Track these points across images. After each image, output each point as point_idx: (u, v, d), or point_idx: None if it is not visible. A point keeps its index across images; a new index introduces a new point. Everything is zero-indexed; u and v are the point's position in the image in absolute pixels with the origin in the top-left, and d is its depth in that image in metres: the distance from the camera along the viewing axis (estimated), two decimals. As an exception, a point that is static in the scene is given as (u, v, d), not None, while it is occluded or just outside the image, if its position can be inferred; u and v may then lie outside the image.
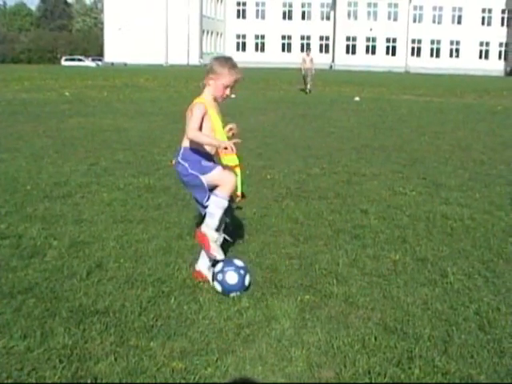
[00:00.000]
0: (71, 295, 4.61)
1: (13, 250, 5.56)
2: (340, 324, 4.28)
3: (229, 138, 4.95)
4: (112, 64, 78.41)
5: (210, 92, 4.96)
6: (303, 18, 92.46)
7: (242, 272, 4.71)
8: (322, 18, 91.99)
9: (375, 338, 4.07)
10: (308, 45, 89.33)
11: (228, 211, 5.06)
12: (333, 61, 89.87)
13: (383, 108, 22.09)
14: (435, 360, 3.82)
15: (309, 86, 30.59)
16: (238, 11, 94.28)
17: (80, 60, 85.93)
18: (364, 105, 23.00)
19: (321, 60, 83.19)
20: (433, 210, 7.33)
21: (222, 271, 4.71)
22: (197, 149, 4.84)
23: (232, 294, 4.64)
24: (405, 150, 12.22)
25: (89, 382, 3.48)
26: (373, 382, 3.59)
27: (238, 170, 4.97)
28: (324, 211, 7.15)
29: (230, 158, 4.87)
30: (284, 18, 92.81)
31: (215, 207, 4.81)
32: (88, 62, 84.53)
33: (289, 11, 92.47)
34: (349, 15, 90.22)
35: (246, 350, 3.89)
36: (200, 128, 4.73)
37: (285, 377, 3.62)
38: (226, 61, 4.92)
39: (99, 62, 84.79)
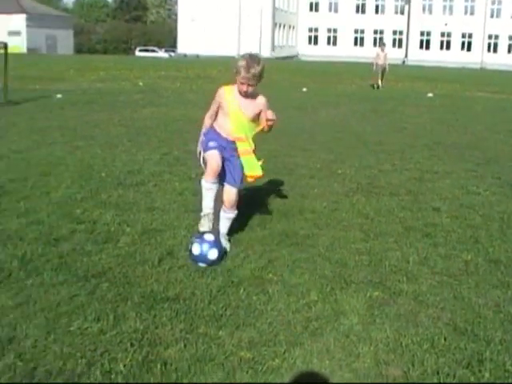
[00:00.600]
0: (143, 281, 4.71)
1: (88, 235, 5.72)
2: (409, 322, 4.24)
3: (262, 131, 5.48)
4: (185, 55, 79.13)
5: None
6: (376, 11, 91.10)
7: (205, 245, 5.05)
8: (396, 12, 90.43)
9: (444, 339, 4.01)
10: (381, 39, 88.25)
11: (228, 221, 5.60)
12: (406, 56, 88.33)
13: (457, 105, 21.64)
14: (506, 364, 3.74)
15: (380, 82, 29.02)
16: (311, 4, 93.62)
17: (153, 51, 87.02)
18: (437, 101, 22.58)
19: (393, 55, 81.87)
20: (507, 210, 7.15)
21: (192, 241, 5.17)
22: (213, 130, 5.44)
23: (200, 264, 5.03)
24: (479, 148, 11.94)
25: (158, 366, 3.55)
26: (441, 382, 3.55)
27: (246, 156, 5.43)
28: (395, 208, 7.07)
29: (242, 144, 5.40)
30: (357, 11, 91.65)
31: (201, 186, 5.42)
32: (161, 53, 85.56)
33: (362, 5, 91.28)
34: (424, 9, 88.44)
35: (313, 344, 3.90)
36: (217, 110, 5.42)
37: (352, 372, 3.61)
38: (244, 59, 5.18)
39: (172, 53, 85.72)
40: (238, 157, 5.41)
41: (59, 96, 19.52)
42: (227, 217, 5.52)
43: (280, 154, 10.21)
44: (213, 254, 5.00)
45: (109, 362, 3.59)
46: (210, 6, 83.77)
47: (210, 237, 5.12)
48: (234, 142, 5.37)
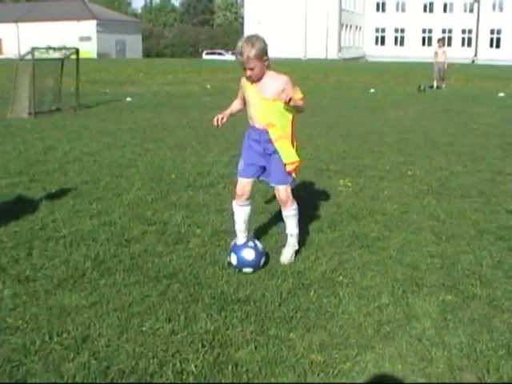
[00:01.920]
0: (213, 282, 4.74)
1: (158, 236, 5.79)
2: (483, 327, 4.13)
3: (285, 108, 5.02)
4: (251, 58, 79.47)
5: None
6: (445, 10, 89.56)
7: (238, 250, 5.01)
8: (465, 10, 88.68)
9: (522, 345, 3.90)
10: (449, 38, 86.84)
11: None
12: (475, 55, 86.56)
13: (530, 104, 21.06)
14: None
15: (436, 83, 26.91)
16: (378, 4, 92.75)
17: (220, 54, 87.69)
18: (509, 100, 22.01)
19: (463, 54, 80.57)
20: None
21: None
22: (250, 126, 5.26)
23: (246, 270, 4.93)
24: (554, 148, 11.58)
25: (230, 367, 3.56)
26: (518, 389, 3.45)
27: (280, 142, 5.08)
28: (467, 210, 6.92)
29: (273, 130, 5.07)
30: (425, 10, 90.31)
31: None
32: (228, 56, 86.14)
33: (430, 3, 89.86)
34: (494, 7, 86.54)
35: (385, 347, 3.84)
36: (243, 98, 5.24)
37: (425, 377, 3.54)
38: (239, 43, 4.89)
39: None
40: (275, 151, 5.08)
41: (129, 99, 19.89)
42: (286, 215, 5.30)
43: (349, 156, 10.14)
44: (249, 254, 4.92)
45: (180, 363, 3.61)
46: (276, 8, 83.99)
47: (240, 240, 5.18)
48: (265, 132, 5.06)
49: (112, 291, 4.54)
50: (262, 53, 4.86)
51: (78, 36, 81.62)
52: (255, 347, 3.78)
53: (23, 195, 7.20)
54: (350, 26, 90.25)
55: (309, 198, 7.31)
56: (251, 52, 4.78)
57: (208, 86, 26.48)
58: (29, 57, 15.73)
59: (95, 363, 3.56)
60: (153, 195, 7.25)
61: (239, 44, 4.84)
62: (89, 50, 74.60)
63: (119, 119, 14.73)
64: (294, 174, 5.20)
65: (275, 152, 5.06)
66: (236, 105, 5.38)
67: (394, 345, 3.88)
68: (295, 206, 5.27)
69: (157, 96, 21.51)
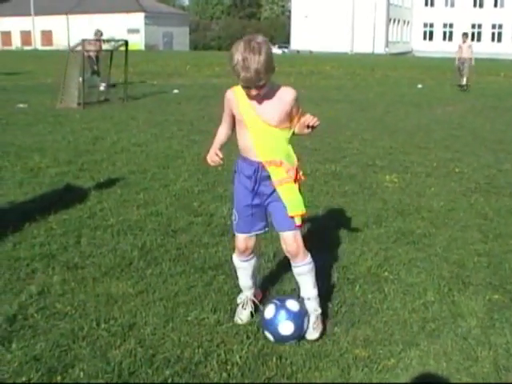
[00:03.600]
0: (258, 275, 4.75)
1: (205, 227, 5.84)
2: (531, 328, 4.08)
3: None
4: (298, 51, 79.24)
5: None
6: (495, 5, 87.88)
7: (282, 313, 3.81)
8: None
9: None
10: (500, 34, 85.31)
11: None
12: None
13: None
14: None
15: (464, 80, 24.30)
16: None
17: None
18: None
19: (514, 50, 79.09)
20: None
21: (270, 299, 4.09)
22: (241, 158, 3.89)
23: (266, 334, 3.83)
24: None
25: (274, 359, 3.57)
26: None
27: (283, 186, 3.82)
28: (516, 209, 6.81)
29: (275, 171, 3.78)
30: (474, 5, 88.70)
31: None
32: (275, 50, 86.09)
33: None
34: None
35: (430, 345, 3.82)
36: (233, 120, 3.84)
37: (470, 376, 3.51)
38: (238, 51, 3.45)
39: (285, 50, 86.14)
40: (275, 191, 3.82)
41: (176, 91, 20.04)
42: (298, 272, 3.93)
43: (395, 151, 10.05)
44: (286, 329, 3.74)
45: (225, 353, 3.64)
46: (323, 2, 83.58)
47: (293, 305, 3.85)
48: (264, 167, 3.76)
49: (158, 280, 4.60)
50: (271, 59, 3.51)
51: (126, 28, 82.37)
52: (299, 340, 3.79)
53: (72, 184, 7.32)
54: (398, 21, 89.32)
55: (354, 192, 7.28)
56: (260, 62, 3.39)
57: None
58: (79, 48, 15.97)
59: (141, 351, 3.61)
60: (199, 187, 7.30)
61: (240, 54, 3.39)
62: (137, 42, 75.28)
63: (166, 111, 14.85)
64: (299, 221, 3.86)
65: (275, 192, 3.80)
66: (223, 133, 3.96)
67: (439, 342, 3.85)
68: (309, 258, 3.91)
69: (203, 88, 21.61)
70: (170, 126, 12.16)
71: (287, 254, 3.91)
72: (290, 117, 3.72)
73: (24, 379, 3.24)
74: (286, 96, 3.69)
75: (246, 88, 3.52)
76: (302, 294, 3.96)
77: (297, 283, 4.04)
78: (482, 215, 6.54)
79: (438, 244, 5.57)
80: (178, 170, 8.20)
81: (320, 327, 3.88)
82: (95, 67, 19.85)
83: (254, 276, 4.15)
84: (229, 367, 3.51)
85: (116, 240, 5.45)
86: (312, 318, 3.88)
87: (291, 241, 3.83)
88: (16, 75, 25.48)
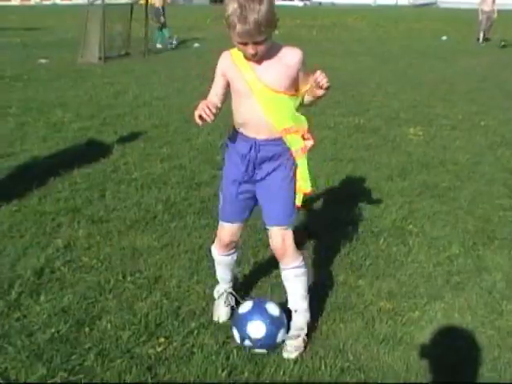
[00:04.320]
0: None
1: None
2: (558, 282, 4.05)
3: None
4: (320, 4, 78.03)
5: None
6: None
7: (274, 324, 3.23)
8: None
9: None
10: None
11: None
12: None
13: None
14: None
15: (483, 35, 23.08)
16: None
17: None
18: None
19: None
20: None
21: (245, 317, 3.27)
22: (235, 135, 3.22)
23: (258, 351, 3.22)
24: None
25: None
26: None
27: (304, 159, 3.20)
28: (542, 162, 6.73)
29: (294, 139, 3.13)
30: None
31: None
32: (296, 1, 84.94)
33: None
34: None
35: (455, 298, 3.82)
36: (227, 87, 3.18)
37: (494, 329, 3.50)
38: (230, 3, 2.85)
39: (307, 2, 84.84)
40: (278, 167, 3.13)
41: (197, 45, 19.90)
42: (285, 276, 3.31)
43: (419, 104, 9.94)
44: (256, 331, 3.17)
45: (250, 305, 3.66)
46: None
47: (273, 310, 3.26)
48: (266, 144, 3.09)
49: (183, 234, 4.62)
50: (274, 11, 2.90)
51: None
52: (325, 293, 3.80)
53: (95, 138, 7.34)
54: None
55: (378, 145, 7.23)
56: (261, 12, 2.80)
57: (276, 32, 26.14)
58: (98, 2, 15.83)
59: (167, 303, 3.64)
60: (222, 140, 7.27)
61: (236, 2, 2.80)
62: (157, -4, 74.58)
63: (187, 65, 14.76)
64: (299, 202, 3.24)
65: (274, 172, 3.14)
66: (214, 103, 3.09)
67: (464, 296, 3.85)
68: (299, 261, 3.28)
69: (224, 42, 21.34)
70: (191, 81, 12.09)
71: (275, 253, 3.29)
72: (296, 83, 3.07)
73: (53, 330, 3.29)
74: (290, 58, 3.06)
75: (242, 45, 2.90)
76: (289, 304, 3.33)
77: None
78: (507, 169, 6.47)
79: (463, 198, 5.53)
80: (201, 123, 8.15)
81: (301, 348, 3.22)
82: (162, 18, 19.67)
83: (234, 268, 3.65)
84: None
85: (140, 194, 5.47)
86: (293, 336, 3.25)
87: (278, 238, 3.20)
88: (36, 30, 25.38)
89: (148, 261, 4.17)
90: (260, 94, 3.00)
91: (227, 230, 3.36)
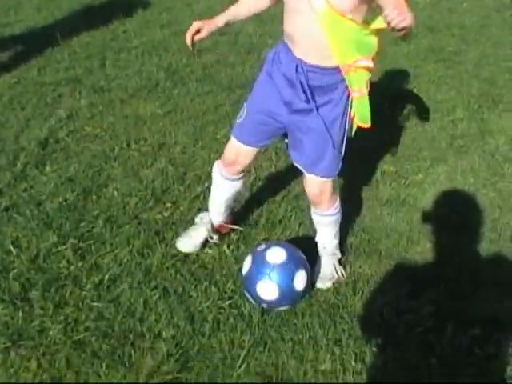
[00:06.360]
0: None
1: (230, 46, 5.73)
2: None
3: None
4: None
5: None
6: None
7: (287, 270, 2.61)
8: None
9: None
10: None
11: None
12: None
13: None
14: None
15: None
16: None
17: None
18: None
19: None
20: None
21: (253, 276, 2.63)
22: (283, 47, 2.51)
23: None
24: None
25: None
26: None
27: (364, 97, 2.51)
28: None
29: (355, 78, 2.44)
30: None
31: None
32: None
33: None
34: None
35: (458, 161, 3.85)
36: None
37: (496, 191, 3.61)
38: None
39: None
40: (329, 102, 2.46)
41: None
42: (318, 221, 2.84)
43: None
44: (301, 282, 2.61)
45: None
46: None
47: (281, 253, 2.64)
48: (317, 70, 2.39)
49: (186, 100, 4.59)
50: None
51: None
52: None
53: (92, 5, 7.11)
54: None
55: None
56: None
57: None
58: None
59: (172, 169, 3.67)
60: (224, 4, 7.04)
61: None
62: None
63: None
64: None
65: (322, 108, 2.47)
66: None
67: (467, 159, 3.88)
68: (333, 208, 2.78)
69: None
70: None
71: (310, 199, 2.77)
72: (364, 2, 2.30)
73: (60, 199, 3.33)
74: None
75: None
76: (318, 239, 2.90)
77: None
78: (515, 31, 6.34)
79: (469, 61, 5.45)
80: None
81: (333, 278, 2.86)
82: None
83: (233, 202, 3.01)
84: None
85: (141, 61, 5.38)
86: (326, 268, 2.88)
87: (316, 190, 2.68)
88: None
89: (152, 128, 4.16)
90: (323, 16, 2.26)
91: (235, 148, 2.75)
